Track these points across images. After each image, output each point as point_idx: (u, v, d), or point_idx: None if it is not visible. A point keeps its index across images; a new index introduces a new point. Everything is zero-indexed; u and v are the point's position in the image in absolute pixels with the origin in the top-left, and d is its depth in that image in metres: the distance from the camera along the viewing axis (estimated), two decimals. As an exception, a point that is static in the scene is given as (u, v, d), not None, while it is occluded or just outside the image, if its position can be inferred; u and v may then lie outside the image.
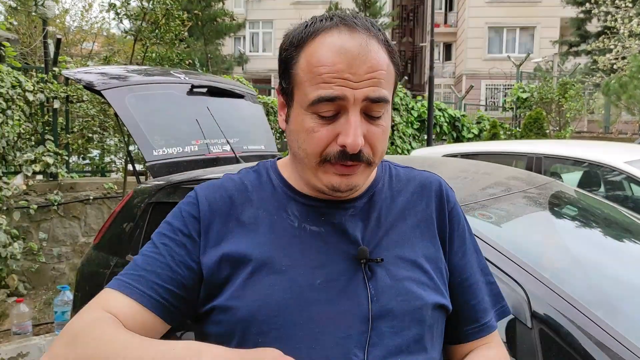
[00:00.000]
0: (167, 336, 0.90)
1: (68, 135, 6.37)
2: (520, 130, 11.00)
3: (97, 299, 0.91)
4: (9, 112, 5.33)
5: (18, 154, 5.60)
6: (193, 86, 3.49)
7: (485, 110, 20.60)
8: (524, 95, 12.45)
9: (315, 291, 0.90)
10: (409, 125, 10.62)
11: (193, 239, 0.93)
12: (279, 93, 0.97)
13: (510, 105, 12.99)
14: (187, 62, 7.81)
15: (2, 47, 5.84)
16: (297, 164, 0.96)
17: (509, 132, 11.77)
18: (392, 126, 10.35)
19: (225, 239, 0.93)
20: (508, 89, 14.38)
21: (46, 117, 6.12)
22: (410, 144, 10.46)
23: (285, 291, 0.89)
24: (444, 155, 5.34)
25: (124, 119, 3.03)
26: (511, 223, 2.04)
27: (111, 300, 0.89)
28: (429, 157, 4.76)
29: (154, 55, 7.41)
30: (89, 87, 3.13)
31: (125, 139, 5.28)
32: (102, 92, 3.04)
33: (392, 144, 10.24)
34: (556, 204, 2.43)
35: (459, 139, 11.19)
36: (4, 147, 5.32)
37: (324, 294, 0.90)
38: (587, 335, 1.49)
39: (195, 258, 0.92)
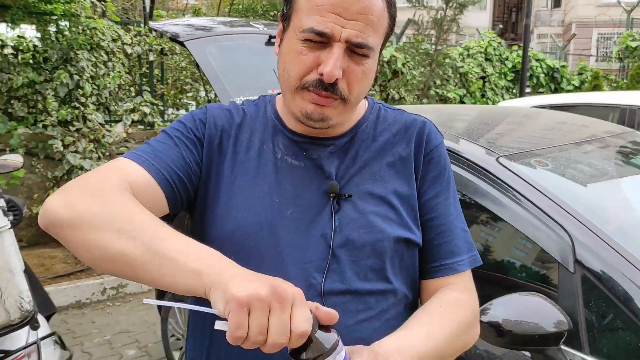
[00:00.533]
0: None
1: (162, 87, 6.76)
2: (626, 82, 10.24)
3: (115, 164, 0.94)
4: (110, 64, 5.75)
5: (119, 103, 6.05)
6: (270, 37, 3.60)
7: (596, 61, 19.19)
8: (634, 44, 11.51)
9: (286, 219, 0.99)
10: (502, 76, 10.20)
11: (201, 143, 1.03)
12: (280, 20, 1.03)
13: (618, 55, 12.06)
14: (271, 14, 7.94)
15: (103, 2, 6.24)
16: (283, 93, 1.03)
17: (614, 84, 10.99)
18: (483, 77, 9.99)
19: (221, 154, 1.03)
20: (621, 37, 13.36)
21: (143, 69, 6.54)
22: (502, 96, 10.08)
23: (259, 216, 0.98)
24: (532, 107, 5.14)
25: (204, 69, 3.21)
26: (568, 171, 2.00)
27: (128, 167, 0.93)
28: (511, 107, 4.63)
29: (240, 7, 7.59)
30: (174, 38, 3.32)
31: (207, 89, 5.53)
32: (184, 43, 3.23)
33: (482, 95, 9.91)
34: (628, 155, 2.34)
35: (557, 91, 10.61)
36: (106, 98, 5.76)
37: (293, 223, 0.99)
38: (629, 283, 1.48)
39: (200, 160, 1.02)
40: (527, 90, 9.46)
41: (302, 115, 0.98)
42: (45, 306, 2.86)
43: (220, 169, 1.03)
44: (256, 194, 1.00)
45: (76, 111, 5.25)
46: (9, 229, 2.05)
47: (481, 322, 1.46)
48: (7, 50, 5.27)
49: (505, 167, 1.83)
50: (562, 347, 1.48)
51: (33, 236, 5.12)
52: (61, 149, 5.05)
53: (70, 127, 5.23)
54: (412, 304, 1.10)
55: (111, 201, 0.83)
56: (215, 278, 0.73)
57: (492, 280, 1.89)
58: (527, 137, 2.38)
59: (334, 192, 1.00)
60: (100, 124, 5.48)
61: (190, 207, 1.05)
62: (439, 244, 1.08)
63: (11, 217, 2.20)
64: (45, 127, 5.15)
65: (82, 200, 0.83)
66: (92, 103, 5.47)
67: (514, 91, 10.17)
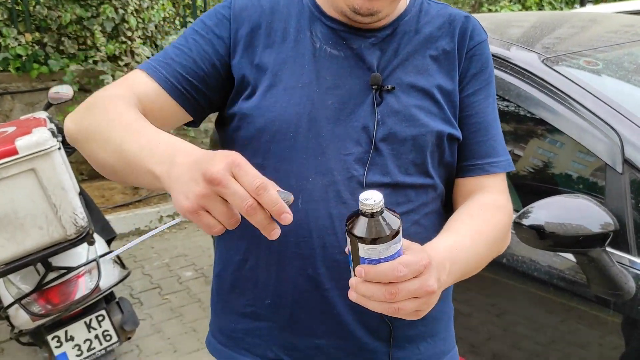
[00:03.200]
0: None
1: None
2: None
3: (127, 77, 0.98)
4: (153, -4, 5.74)
5: (165, 37, 6.07)
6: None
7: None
8: None
9: (326, 109, 0.96)
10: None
11: (222, 40, 0.99)
12: None
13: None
14: None
15: None
16: None
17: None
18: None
19: (253, 46, 0.99)
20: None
21: (186, 0, 6.49)
22: (562, 10, 9.46)
23: (299, 106, 0.95)
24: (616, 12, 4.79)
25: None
26: (619, 71, 1.88)
27: (137, 79, 0.95)
28: (578, 12, 4.34)
29: None
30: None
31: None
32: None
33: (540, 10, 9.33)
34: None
35: None
36: (152, 31, 5.79)
37: (334, 114, 0.96)
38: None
39: (221, 58, 0.98)
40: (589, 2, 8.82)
41: (350, 9, 0.93)
42: (106, 232, 3.01)
43: (253, 61, 0.99)
44: (295, 84, 0.96)
45: (124, 46, 5.32)
46: (59, 149, 2.14)
47: (522, 225, 1.43)
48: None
49: (551, 69, 1.74)
50: (608, 248, 1.44)
51: (93, 170, 5.34)
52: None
53: (119, 62, 5.32)
54: (448, 200, 1.09)
55: (104, 113, 0.86)
56: (166, 183, 0.72)
57: (534, 188, 1.84)
58: (585, 40, 2.23)
59: (376, 84, 0.97)
60: (147, 57, 5.54)
61: (220, 107, 1.04)
62: (475, 142, 1.05)
63: (60, 138, 2.29)
64: (95, 62, 5.25)
65: (84, 115, 0.90)
66: (139, 37, 5.52)
67: (576, 5, 9.53)
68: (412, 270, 0.71)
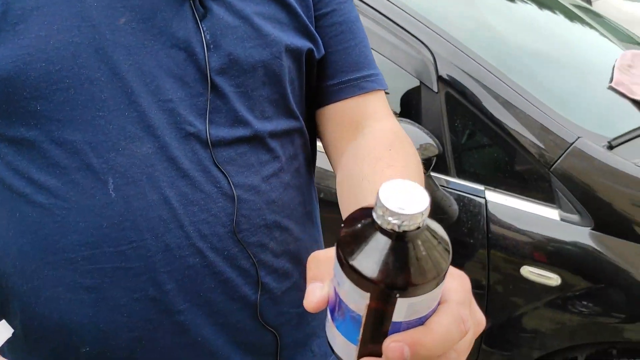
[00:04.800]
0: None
1: None
2: None
3: None
4: None
5: None
6: None
7: None
8: None
9: (119, 33, 0.61)
10: None
11: None
12: None
13: None
14: None
15: None
16: None
17: None
18: None
19: None
20: None
21: None
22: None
23: (69, 32, 0.60)
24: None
25: None
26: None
27: None
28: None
29: None
30: None
31: None
32: None
33: None
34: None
35: None
36: None
37: (134, 39, 0.62)
38: (494, 95, 1.39)
39: None
40: None
41: None
42: None
43: None
44: (59, 1, 0.60)
45: None
46: None
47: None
48: None
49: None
50: (431, 173, 1.38)
51: None
52: None
53: None
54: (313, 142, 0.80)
55: None
56: None
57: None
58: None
59: None
60: None
61: None
62: (341, 50, 0.76)
63: None
64: None
65: None
66: None
67: None
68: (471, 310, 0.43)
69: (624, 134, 1.42)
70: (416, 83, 1.47)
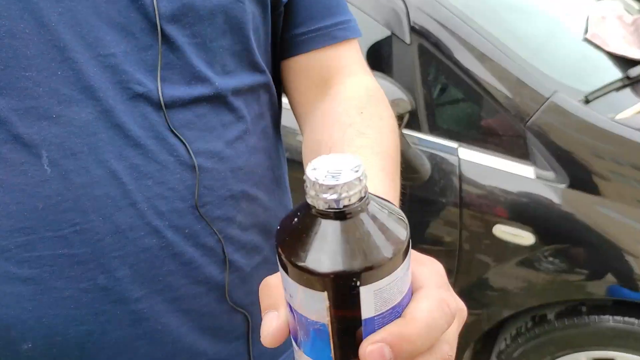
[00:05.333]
0: None
1: None
2: None
3: None
4: None
5: None
6: None
7: None
8: None
9: None
10: None
11: None
12: None
13: None
14: None
15: None
16: None
17: None
18: None
19: None
20: None
21: None
22: None
23: None
24: None
25: None
26: None
27: None
28: None
29: None
30: None
31: None
32: None
33: None
34: None
35: None
36: None
37: None
38: (469, 47, 1.32)
39: None
40: None
41: None
42: None
43: None
44: None
45: None
46: None
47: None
48: None
49: None
50: (404, 130, 1.31)
51: None
52: None
53: None
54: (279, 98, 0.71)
55: None
56: None
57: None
58: None
59: None
60: None
61: None
62: None
63: None
64: None
65: None
66: None
67: None
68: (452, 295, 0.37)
69: (599, 88, 1.38)
70: (387, 33, 1.38)
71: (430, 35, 1.33)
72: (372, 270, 0.30)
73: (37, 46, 0.49)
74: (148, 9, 0.52)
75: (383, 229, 0.31)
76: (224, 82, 0.58)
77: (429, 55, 1.33)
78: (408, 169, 1.30)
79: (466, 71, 1.30)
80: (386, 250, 0.30)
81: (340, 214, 0.30)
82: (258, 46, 0.62)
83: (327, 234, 0.30)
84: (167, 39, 0.54)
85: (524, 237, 1.30)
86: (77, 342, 0.56)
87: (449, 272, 0.43)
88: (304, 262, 0.30)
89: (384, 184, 0.53)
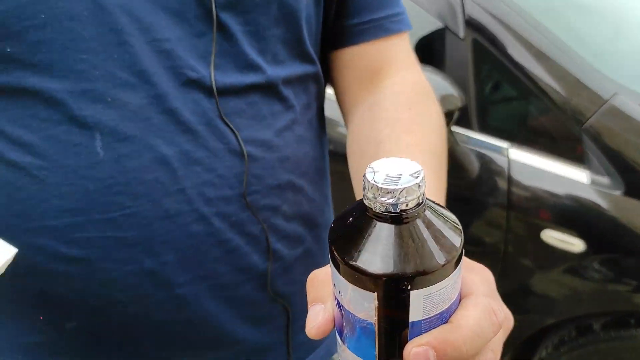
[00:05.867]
0: None
1: None
2: None
3: None
4: None
5: None
6: None
7: None
8: None
9: None
10: None
11: None
12: None
13: None
14: None
15: None
16: None
17: None
18: None
19: None
20: None
21: None
22: None
23: None
24: None
25: None
26: None
27: None
28: None
29: None
30: None
31: None
32: None
33: None
34: None
35: None
36: None
37: None
38: (526, 44, 1.27)
39: None
40: None
41: None
42: None
43: None
44: None
45: None
46: None
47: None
48: None
49: None
50: (453, 128, 1.28)
51: None
52: None
53: None
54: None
55: None
56: None
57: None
58: None
59: None
60: None
61: None
62: None
63: None
64: None
65: None
66: None
67: None
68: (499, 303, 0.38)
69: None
70: (438, 26, 1.35)
71: (485, 30, 1.29)
72: (423, 275, 0.30)
73: (95, 29, 0.49)
74: (205, 0, 0.52)
75: (438, 235, 0.31)
76: (275, 71, 0.58)
77: (484, 50, 1.29)
78: (455, 168, 1.27)
79: (522, 69, 1.26)
80: (439, 258, 0.30)
81: (397, 218, 0.30)
82: (309, 36, 0.61)
83: (382, 236, 0.31)
84: (221, 26, 0.53)
85: (574, 244, 1.25)
86: (120, 324, 0.56)
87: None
88: (357, 262, 0.30)
89: (431, 183, 0.52)
